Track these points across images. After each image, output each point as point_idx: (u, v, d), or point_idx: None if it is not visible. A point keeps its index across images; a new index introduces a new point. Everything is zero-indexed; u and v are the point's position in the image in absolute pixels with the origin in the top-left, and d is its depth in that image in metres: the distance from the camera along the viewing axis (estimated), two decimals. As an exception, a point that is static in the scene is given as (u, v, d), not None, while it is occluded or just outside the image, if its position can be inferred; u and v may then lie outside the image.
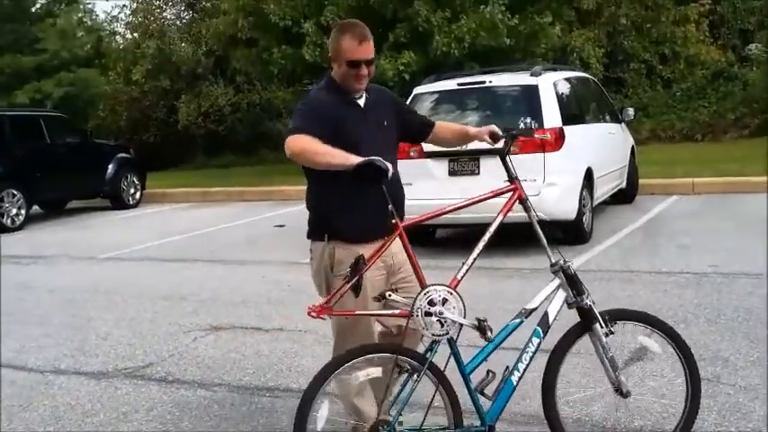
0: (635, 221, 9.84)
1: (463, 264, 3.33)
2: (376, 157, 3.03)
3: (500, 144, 3.53)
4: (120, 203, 15.85)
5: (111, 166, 15.79)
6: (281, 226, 11.76)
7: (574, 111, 9.29)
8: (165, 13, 25.21)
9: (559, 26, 16.97)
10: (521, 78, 8.96)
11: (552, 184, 8.08)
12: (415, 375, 3.16)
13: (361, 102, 3.49)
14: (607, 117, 10.67)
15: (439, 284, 3.16)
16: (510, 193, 3.42)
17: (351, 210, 3.38)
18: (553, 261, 3.41)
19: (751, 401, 4.07)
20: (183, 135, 23.67)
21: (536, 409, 3.62)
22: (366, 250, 3.31)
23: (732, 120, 17.81)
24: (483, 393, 3.27)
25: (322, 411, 3.12)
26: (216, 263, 9.35)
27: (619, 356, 3.43)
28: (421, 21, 14.76)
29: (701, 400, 3.49)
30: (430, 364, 3.17)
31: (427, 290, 3.14)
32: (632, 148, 11.50)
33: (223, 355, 5.73)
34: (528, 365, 3.36)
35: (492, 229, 3.40)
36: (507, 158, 3.46)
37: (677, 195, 11.72)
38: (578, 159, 8.64)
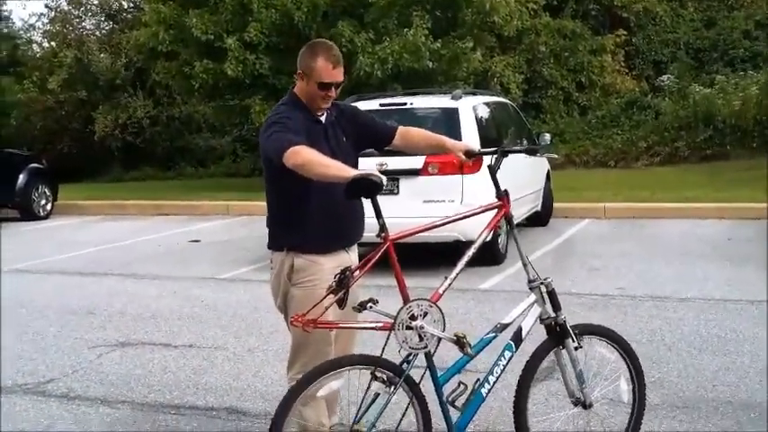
0: (548, 243, 10.02)
1: (446, 278, 3.38)
2: (371, 171, 3.04)
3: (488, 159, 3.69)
4: (29, 214, 15.32)
5: (21, 176, 15.23)
6: (196, 241, 11.59)
7: (492, 134, 9.42)
8: (84, 23, 24.76)
9: (481, 52, 17.29)
10: (442, 101, 9.11)
11: (470, 205, 8.15)
12: (392, 387, 3.15)
13: (323, 118, 3.57)
14: (524, 141, 10.87)
15: (421, 299, 3.19)
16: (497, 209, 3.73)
17: (309, 221, 3.45)
18: (532, 278, 3.55)
19: (651, 420, 4.16)
20: (100, 146, 23.20)
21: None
22: (324, 260, 3.44)
23: (644, 148, 18.34)
24: (453, 405, 3.31)
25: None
26: (127, 277, 9.13)
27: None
28: (345, 41, 14.81)
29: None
30: (406, 376, 3.18)
31: (410, 304, 3.17)
32: (547, 172, 11.74)
33: (128, 371, 5.59)
34: (498, 378, 3.43)
35: (477, 245, 3.53)
36: (496, 174, 3.63)
37: (589, 219, 11.99)
38: (495, 182, 8.75)
